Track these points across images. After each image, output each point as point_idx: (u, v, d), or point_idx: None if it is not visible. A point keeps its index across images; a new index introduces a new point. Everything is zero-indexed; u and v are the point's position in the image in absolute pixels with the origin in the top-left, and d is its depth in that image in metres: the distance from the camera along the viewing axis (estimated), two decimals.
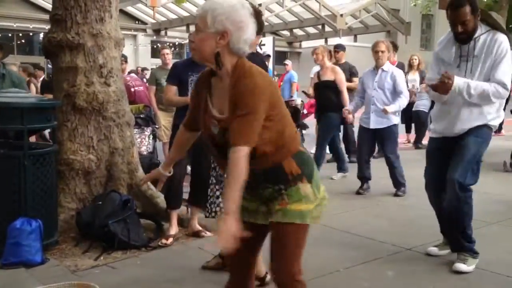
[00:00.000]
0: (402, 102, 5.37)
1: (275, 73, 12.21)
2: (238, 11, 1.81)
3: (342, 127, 7.55)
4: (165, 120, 6.47)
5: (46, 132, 6.02)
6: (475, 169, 3.22)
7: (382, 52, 5.32)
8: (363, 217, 4.59)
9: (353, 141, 7.49)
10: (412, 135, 9.53)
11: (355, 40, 19.63)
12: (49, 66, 8.90)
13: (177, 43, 20.49)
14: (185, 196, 4.12)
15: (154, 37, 20.29)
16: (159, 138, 6.39)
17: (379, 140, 5.55)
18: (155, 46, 20.71)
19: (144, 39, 20.11)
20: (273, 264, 1.99)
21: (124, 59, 7.12)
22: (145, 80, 10.39)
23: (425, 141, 8.94)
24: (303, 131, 8.15)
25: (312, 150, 8.47)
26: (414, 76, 8.89)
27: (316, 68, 8.64)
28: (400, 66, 8.19)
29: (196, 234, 3.97)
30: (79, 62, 4.06)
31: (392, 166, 5.42)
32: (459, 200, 3.16)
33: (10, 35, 17.23)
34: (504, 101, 3.30)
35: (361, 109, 5.77)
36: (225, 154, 1.82)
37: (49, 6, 5.25)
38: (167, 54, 6.73)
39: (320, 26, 19.18)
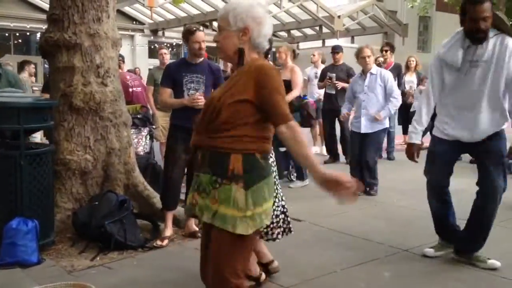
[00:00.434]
0: (393, 105, 5.44)
1: None
2: (255, 8, 1.96)
3: (339, 129, 7.58)
4: (163, 120, 6.46)
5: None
6: (506, 170, 3.26)
7: (369, 57, 5.37)
8: (361, 218, 4.59)
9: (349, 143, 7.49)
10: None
11: (353, 42, 19.62)
12: (46, 66, 8.88)
13: (174, 44, 20.46)
14: (182, 196, 4.12)
15: (152, 38, 20.26)
16: (156, 138, 6.38)
17: (364, 143, 5.50)
18: (152, 47, 20.69)
19: (141, 39, 20.07)
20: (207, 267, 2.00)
21: (122, 59, 7.11)
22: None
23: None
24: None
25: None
26: (411, 77, 8.90)
27: (309, 70, 8.66)
28: (397, 67, 8.20)
29: (193, 235, 3.96)
30: (76, 62, 4.05)
31: (368, 169, 5.47)
32: (497, 204, 3.20)
33: (7, 34, 17.19)
34: None
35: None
36: (204, 125, 1.95)
37: (46, 6, 5.24)
38: (165, 54, 6.72)
39: (317, 28, 19.18)
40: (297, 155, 1.89)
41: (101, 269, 3.34)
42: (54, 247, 3.66)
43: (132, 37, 19.78)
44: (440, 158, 3.38)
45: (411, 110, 8.71)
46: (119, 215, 3.73)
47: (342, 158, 7.60)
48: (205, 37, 3.97)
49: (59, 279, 2.95)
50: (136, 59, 19.16)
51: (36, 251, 3.34)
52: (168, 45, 19.94)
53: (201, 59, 3.94)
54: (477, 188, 3.29)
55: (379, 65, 7.93)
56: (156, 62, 17.65)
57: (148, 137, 5.78)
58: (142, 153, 5.57)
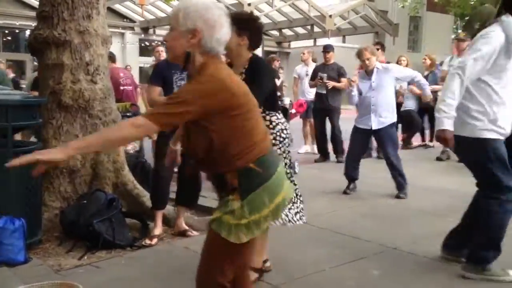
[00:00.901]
0: (423, 81, 5.60)
1: None
2: (210, 10, 1.82)
3: (330, 128, 7.60)
4: None
5: None
6: None
7: (368, 59, 5.31)
8: (350, 216, 4.60)
9: (340, 142, 7.52)
10: (400, 135, 9.58)
11: (344, 41, 19.71)
12: (35, 63, 8.82)
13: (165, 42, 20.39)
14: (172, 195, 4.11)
15: (142, 35, 20.18)
16: (148, 136, 6.34)
17: (379, 141, 5.50)
18: (143, 45, 20.60)
19: (132, 37, 19.99)
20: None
21: (113, 57, 7.06)
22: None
23: (415, 141, 9.02)
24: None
25: (301, 150, 8.52)
26: None
27: (299, 68, 8.68)
28: None
29: (182, 234, 3.95)
30: (65, 59, 4.02)
31: (393, 168, 5.33)
32: None
33: None
34: None
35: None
36: (200, 164, 1.92)
37: (36, 3, 5.20)
38: (162, 51, 6.67)
39: (309, 27, 19.24)
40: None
41: (88, 268, 3.32)
42: (41, 246, 3.63)
43: (122, 34, 19.69)
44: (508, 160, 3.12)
45: (402, 109, 8.76)
46: (108, 214, 3.71)
47: (332, 157, 7.62)
48: None
49: (46, 278, 2.93)
50: (127, 57, 19.08)
51: (23, 250, 3.31)
52: (160, 43, 19.86)
53: None
54: (470, 187, 3.29)
55: None
56: (147, 60, 17.54)
57: None
58: (131, 151, 5.54)
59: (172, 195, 4.13)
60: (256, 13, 16.75)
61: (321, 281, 3.14)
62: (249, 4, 15.51)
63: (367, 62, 5.31)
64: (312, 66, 8.23)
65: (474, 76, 2.95)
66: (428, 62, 8.70)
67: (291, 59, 22.46)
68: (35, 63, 7.85)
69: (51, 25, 4.00)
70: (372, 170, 5.93)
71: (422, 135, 9.19)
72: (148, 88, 4.04)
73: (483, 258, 3.08)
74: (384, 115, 5.32)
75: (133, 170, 4.61)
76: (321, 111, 7.57)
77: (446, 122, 2.92)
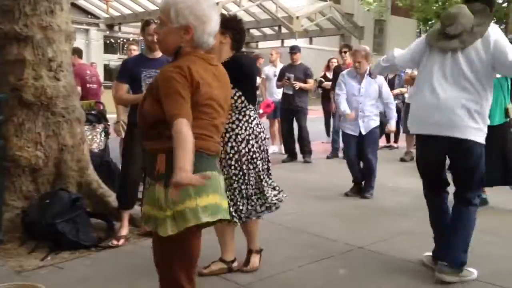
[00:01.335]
0: (394, 111, 5.47)
1: None
2: (200, 5, 1.84)
3: (297, 128, 7.66)
4: (125, 115, 6.32)
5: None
6: None
7: (359, 63, 5.35)
8: (317, 216, 4.65)
9: (307, 142, 7.59)
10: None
11: (311, 42, 19.91)
12: None
13: (131, 39, 20.08)
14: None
15: (107, 32, 19.81)
16: (117, 133, 6.22)
17: (363, 143, 5.47)
18: (108, 42, 20.24)
19: (96, 33, 19.60)
20: None
21: (78, 54, 6.91)
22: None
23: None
24: None
25: (269, 150, 8.53)
26: None
27: (267, 69, 8.71)
28: None
29: (149, 234, 3.88)
30: (27, 55, 3.91)
31: (370, 169, 5.40)
32: None
33: None
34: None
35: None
36: (144, 133, 1.92)
37: None
38: (134, 50, 6.56)
39: (276, 27, 19.33)
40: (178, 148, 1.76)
41: (52, 269, 3.23)
42: (2, 246, 3.52)
43: (87, 31, 19.28)
44: None
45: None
46: (72, 214, 3.63)
47: (300, 157, 7.67)
48: None
49: (7, 280, 2.84)
50: (91, 54, 18.68)
51: None
52: (125, 40, 19.54)
53: (159, 54, 3.87)
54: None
55: (338, 66, 8.09)
56: (111, 57, 17.14)
57: (103, 134, 5.64)
58: (96, 150, 5.43)
59: (139, 195, 4.06)
60: (223, 12, 16.73)
61: (288, 280, 3.16)
62: (216, 3, 15.45)
63: (357, 65, 5.37)
64: (279, 66, 8.28)
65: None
66: None
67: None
68: None
69: (12, 19, 3.88)
70: (339, 170, 6.00)
71: (387, 136, 9.37)
72: (115, 85, 3.96)
73: (464, 261, 3.13)
74: (371, 119, 5.40)
75: (98, 169, 4.51)
76: (288, 111, 7.62)
77: None
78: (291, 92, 7.44)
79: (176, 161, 1.68)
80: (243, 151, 3.04)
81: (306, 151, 7.57)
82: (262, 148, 3.15)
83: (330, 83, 8.28)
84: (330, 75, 8.68)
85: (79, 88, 6.21)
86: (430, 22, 22.02)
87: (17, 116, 3.90)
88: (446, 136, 3.02)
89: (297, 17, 17.90)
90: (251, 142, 3.07)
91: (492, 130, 3.42)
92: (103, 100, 6.31)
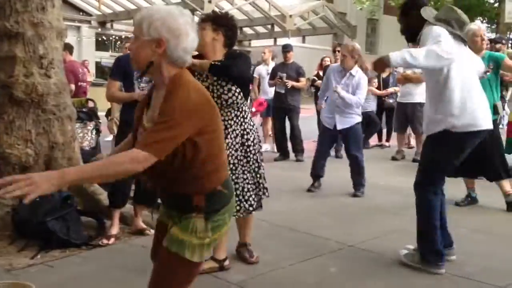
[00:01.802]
0: (355, 100, 5.34)
1: None
2: (175, 18, 1.74)
3: (289, 127, 7.67)
4: (118, 112, 6.30)
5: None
6: None
7: (344, 56, 5.35)
8: (308, 214, 4.66)
9: (300, 140, 7.60)
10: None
11: (304, 41, 19.93)
12: None
13: (123, 36, 20.00)
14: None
15: (99, 30, 19.70)
16: (109, 131, 6.20)
17: (344, 140, 5.54)
18: (100, 39, 20.13)
19: (88, 31, 19.49)
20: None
21: (69, 50, 6.88)
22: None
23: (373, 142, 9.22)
24: None
25: (261, 148, 8.53)
26: None
27: (260, 67, 8.71)
28: None
29: (140, 232, 3.88)
30: (18, 51, 3.87)
31: (357, 166, 5.40)
32: None
33: None
34: None
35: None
36: (155, 172, 1.74)
37: None
38: None
39: (269, 26, 19.32)
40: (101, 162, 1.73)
41: (42, 267, 3.21)
42: None
43: (78, 28, 19.17)
44: None
45: (362, 111, 8.92)
46: (62, 212, 3.61)
47: (292, 155, 7.68)
48: None
49: None
50: (83, 51, 18.58)
51: None
52: (117, 38, 19.46)
53: None
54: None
55: (328, 66, 8.10)
56: (103, 54, 17.06)
57: (94, 131, 5.62)
58: (87, 148, 5.41)
59: (131, 193, 4.05)
60: (216, 10, 16.70)
61: (280, 278, 3.16)
62: (209, 1, 15.43)
63: (342, 58, 5.39)
64: (272, 65, 8.27)
65: None
66: None
67: (251, 58, 22.48)
68: None
69: (3, 16, 3.85)
70: (330, 169, 6.00)
71: (379, 135, 9.41)
72: (108, 82, 3.95)
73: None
74: (350, 116, 5.39)
75: None
76: (280, 110, 7.62)
77: None
78: (283, 91, 7.44)
79: (74, 171, 1.66)
80: (237, 145, 3.10)
81: (299, 149, 7.58)
82: (255, 142, 3.21)
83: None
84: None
85: (72, 86, 6.20)
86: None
87: (7, 114, 3.87)
88: (487, 129, 3.23)
89: (290, 16, 17.91)
90: (245, 136, 3.13)
91: None
92: (94, 98, 6.30)
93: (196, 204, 1.81)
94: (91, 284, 3.02)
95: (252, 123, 3.23)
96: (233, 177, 3.08)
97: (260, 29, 20.44)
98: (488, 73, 4.55)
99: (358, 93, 5.38)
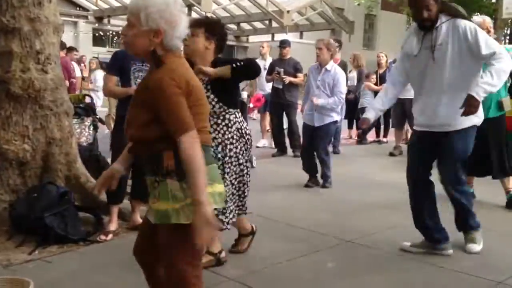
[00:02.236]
0: (333, 101, 5.41)
1: None
2: (171, 9, 1.85)
3: (286, 122, 7.67)
4: (115, 108, 6.29)
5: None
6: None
7: (320, 49, 5.40)
8: (306, 210, 4.66)
9: (297, 136, 7.60)
10: (354, 131, 9.81)
11: (301, 37, 19.89)
12: None
13: (120, 32, 19.95)
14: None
15: (96, 25, 19.61)
16: (107, 126, 6.18)
17: (316, 136, 5.55)
18: (96, 34, 20.05)
19: (85, 26, 19.40)
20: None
21: (63, 46, 6.86)
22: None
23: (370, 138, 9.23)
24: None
25: (259, 144, 8.55)
26: (354, 74, 9.21)
27: (257, 62, 8.69)
28: (342, 64, 8.37)
29: (138, 228, 3.87)
30: (14, 47, 3.85)
31: (321, 161, 5.55)
32: None
33: None
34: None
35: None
36: (137, 140, 1.95)
37: None
38: None
39: (267, 21, 19.28)
40: (190, 169, 1.83)
41: (39, 263, 3.21)
42: None
43: (75, 23, 19.08)
44: (412, 149, 3.53)
45: (359, 107, 8.95)
46: (60, 208, 3.60)
47: (289, 151, 7.68)
48: None
49: None
50: (80, 46, 18.50)
51: None
52: (114, 33, 19.38)
53: None
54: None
55: None
56: (100, 50, 17.02)
57: (91, 127, 5.59)
58: (85, 143, 5.38)
59: (128, 189, 4.04)
60: (214, 6, 16.65)
61: (277, 274, 3.17)
62: None
63: (317, 51, 5.40)
64: (269, 60, 8.26)
65: None
66: (384, 59, 8.99)
67: (249, 54, 22.45)
68: None
69: (0, 11, 3.82)
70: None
71: (377, 131, 9.42)
72: (105, 77, 3.94)
73: None
74: (327, 113, 5.44)
75: (86, 163, 4.48)
76: (278, 105, 7.61)
77: None
78: (281, 86, 7.44)
79: (195, 191, 1.78)
80: (219, 155, 3.03)
81: (296, 145, 7.57)
82: (242, 152, 3.14)
83: None
84: None
85: (66, 82, 6.19)
86: None
87: (4, 109, 3.85)
88: None
89: (288, 11, 17.87)
90: (228, 146, 3.06)
91: (487, 122, 3.68)
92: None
93: (167, 164, 1.86)
94: (89, 280, 3.02)
95: (239, 134, 3.10)
96: None
97: (258, 25, 20.41)
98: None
99: (336, 91, 5.43)
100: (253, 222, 3.48)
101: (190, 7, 15.79)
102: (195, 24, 3.03)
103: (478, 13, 23.34)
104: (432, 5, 3.16)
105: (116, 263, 3.27)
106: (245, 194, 3.25)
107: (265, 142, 8.63)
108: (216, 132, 3.05)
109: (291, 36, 15.85)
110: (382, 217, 4.42)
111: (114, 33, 20.14)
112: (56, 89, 4.03)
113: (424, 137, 3.39)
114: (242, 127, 3.15)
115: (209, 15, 12.49)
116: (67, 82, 6.17)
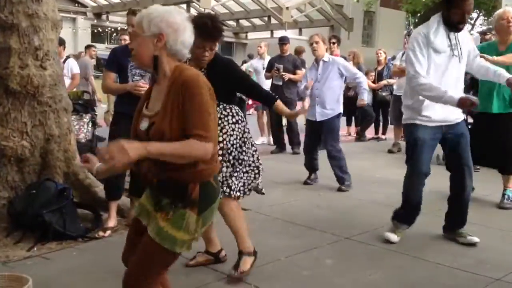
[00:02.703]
0: (364, 84, 5.50)
1: None
2: (172, 15, 1.86)
3: (286, 119, 7.66)
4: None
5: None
6: None
7: (317, 43, 5.36)
8: (304, 207, 4.67)
9: (296, 133, 7.60)
10: (353, 128, 9.80)
11: (300, 34, 19.86)
12: None
13: (119, 28, 19.89)
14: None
15: (95, 21, 19.58)
16: (106, 123, 6.18)
17: (321, 133, 5.52)
18: (95, 31, 20.01)
19: (84, 22, 19.36)
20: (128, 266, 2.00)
21: (61, 43, 6.83)
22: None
23: (369, 134, 9.24)
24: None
25: (257, 141, 8.55)
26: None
27: (255, 61, 8.68)
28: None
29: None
30: (13, 43, 3.84)
31: (332, 159, 5.36)
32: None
33: None
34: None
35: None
36: (158, 165, 1.82)
37: None
38: (125, 40, 6.47)
39: (266, 18, 19.25)
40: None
41: (38, 259, 3.22)
42: None
43: (74, 20, 19.04)
44: (426, 145, 3.53)
45: (357, 103, 8.94)
46: (58, 204, 3.60)
47: (288, 148, 7.68)
48: None
49: None
50: (78, 43, 18.46)
51: None
52: (112, 29, 19.34)
53: None
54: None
55: None
56: (99, 46, 17.00)
57: (90, 123, 5.60)
58: (83, 140, 5.40)
59: (126, 185, 4.05)
60: (213, 2, 16.60)
61: (276, 270, 3.17)
62: None
63: (315, 45, 5.36)
64: (267, 59, 8.24)
65: None
66: (383, 56, 8.99)
67: (248, 50, 22.42)
68: None
69: None
70: (327, 161, 6.01)
71: (376, 128, 9.42)
72: (103, 74, 3.95)
73: None
74: (329, 107, 5.38)
75: None
76: None
77: None
78: (280, 83, 7.43)
79: (158, 147, 1.73)
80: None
81: (295, 142, 7.58)
82: (247, 142, 3.07)
83: None
84: None
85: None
86: (419, 14, 22.09)
87: (2, 105, 3.85)
88: None
89: (287, 8, 17.84)
90: (219, 145, 2.94)
91: (491, 117, 4.14)
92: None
93: (191, 194, 1.83)
94: (87, 277, 3.02)
95: (233, 140, 3.00)
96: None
97: (257, 21, 20.38)
98: None
99: (352, 73, 5.45)
100: (251, 219, 3.49)
101: (189, 3, 15.77)
102: (210, 38, 2.85)
103: (477, 10, 23.39)
104: (471, 9, 3.40)
105: (115, 259, 3.25)
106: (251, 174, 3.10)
107: (264, 139, 8.63)
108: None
109: (290, 33, 15.83)
110: (381, 214, 4.42)
111: (112, 29, 20.10)
112: (54, 85, 4.03)
113: (437, 133, 3.51)
114: (236, 128, 3.05)
115: (208, 11, 12.44)
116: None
